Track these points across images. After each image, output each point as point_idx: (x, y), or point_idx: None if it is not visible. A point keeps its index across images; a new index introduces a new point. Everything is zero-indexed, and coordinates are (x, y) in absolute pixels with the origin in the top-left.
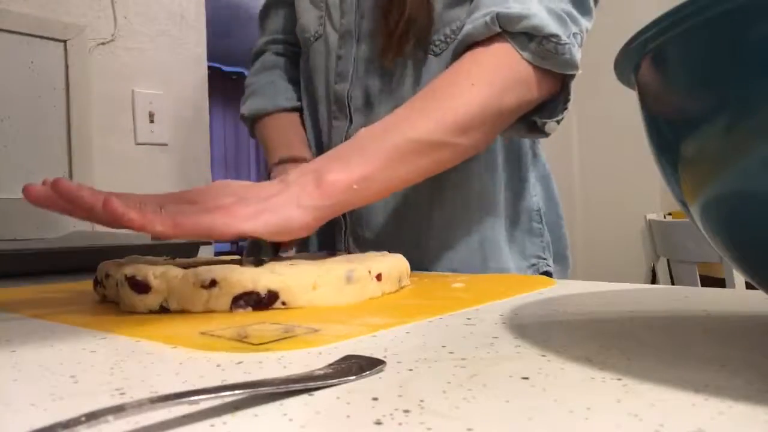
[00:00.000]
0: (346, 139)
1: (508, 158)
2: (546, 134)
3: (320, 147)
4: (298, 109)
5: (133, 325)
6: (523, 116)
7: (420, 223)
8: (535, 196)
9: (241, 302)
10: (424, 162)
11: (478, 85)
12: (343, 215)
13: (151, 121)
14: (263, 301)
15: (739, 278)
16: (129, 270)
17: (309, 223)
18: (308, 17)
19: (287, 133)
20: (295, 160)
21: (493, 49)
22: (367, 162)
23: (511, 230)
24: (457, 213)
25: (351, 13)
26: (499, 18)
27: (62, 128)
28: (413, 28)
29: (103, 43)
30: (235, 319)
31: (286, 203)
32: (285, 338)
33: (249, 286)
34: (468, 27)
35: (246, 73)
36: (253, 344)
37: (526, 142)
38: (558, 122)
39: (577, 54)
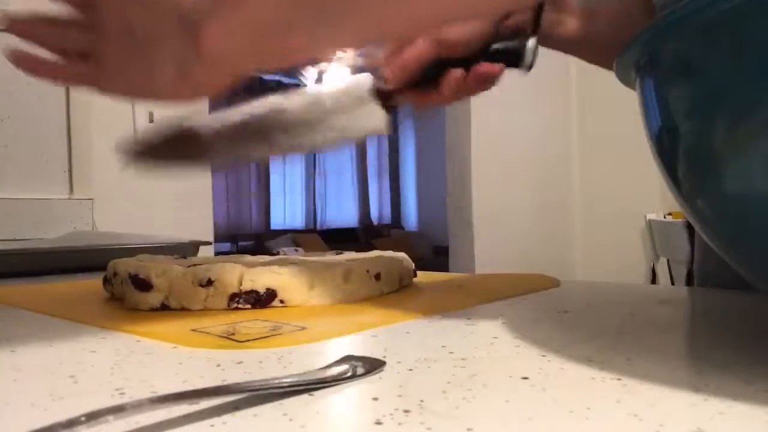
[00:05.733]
0: None
1: None
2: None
3: None
4: None
5: (132, 323)
6: None
7: None
8: None
9: (240, 300)
10: None
11: None
12: None
13: (151, 121)
14: (261, 300)
15: None
16: (133, 268)
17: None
18: None
19: None
20: None
21: None
22: None
23: None
24: None
25: None
26: None
27: (62, 128)
28: None
29: None
30: (230, 317)
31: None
32: (271, 336)
33: (247, 285)
34: None
35: None
36: (239, 341)
37: None
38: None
39: None
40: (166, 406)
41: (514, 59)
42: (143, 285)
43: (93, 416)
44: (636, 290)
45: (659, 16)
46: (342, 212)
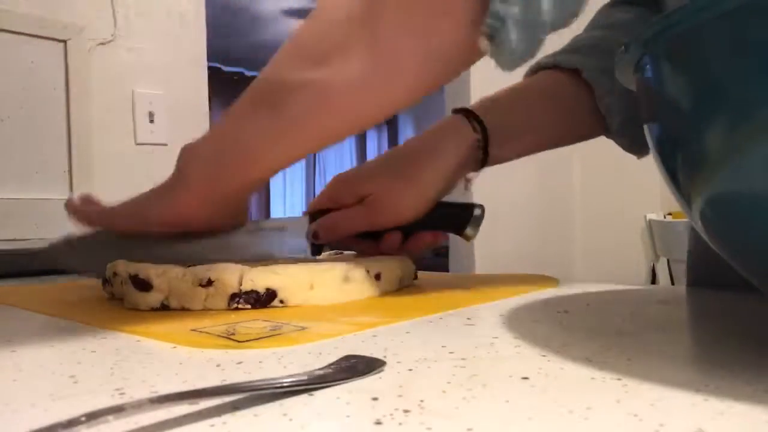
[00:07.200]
0: None
1: None
2: None
3: None
4: None
5: (132, 323)
6: None
7: None
8: None
9: (240, 300)
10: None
11: None
12: None
13: (151, 121)
14: (261, 300)
15: None
16: (132, 268)
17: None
18: None
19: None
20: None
21: None
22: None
23: None
24: None
25: None
26: None
27: (62, 128)
28: None
29: (102, 43)
30: (230, 317)
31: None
32: (271, 336)
33: (247, 285)
34: None
35: (246, 72)
36: (238, 341)
37: None
38: None
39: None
40: (166, 406)
41: (459, 226)
42: (143, 285)
43: (93, 416)
44: (636, 290)
45: (659, 15)
46: None
